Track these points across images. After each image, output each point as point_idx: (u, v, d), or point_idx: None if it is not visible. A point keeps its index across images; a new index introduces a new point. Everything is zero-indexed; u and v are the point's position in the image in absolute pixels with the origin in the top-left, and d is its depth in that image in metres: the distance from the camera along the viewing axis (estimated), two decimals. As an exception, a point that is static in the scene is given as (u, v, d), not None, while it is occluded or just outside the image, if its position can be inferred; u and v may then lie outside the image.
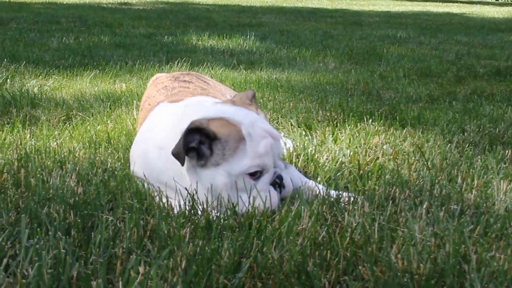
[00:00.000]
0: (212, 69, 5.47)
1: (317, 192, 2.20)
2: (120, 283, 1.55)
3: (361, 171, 2.48)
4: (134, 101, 3.67)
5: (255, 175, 2.09)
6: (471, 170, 2.47)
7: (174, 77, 2.89)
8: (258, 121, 2.15)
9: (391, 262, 1.62)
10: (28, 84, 4.46)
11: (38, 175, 2.28)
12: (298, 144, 2.88)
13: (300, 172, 2.44)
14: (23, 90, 4.09)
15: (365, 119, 3.24)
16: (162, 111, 2.42)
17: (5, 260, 1.64)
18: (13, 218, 1.92)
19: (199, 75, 3.08)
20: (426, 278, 1.57)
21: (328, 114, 3.52)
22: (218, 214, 1.98)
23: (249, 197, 2.05)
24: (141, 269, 1.60)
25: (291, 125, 3.30)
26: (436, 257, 1.66)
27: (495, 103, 3.88)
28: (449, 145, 2.83)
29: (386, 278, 1.56)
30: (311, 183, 2.29)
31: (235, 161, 2.05)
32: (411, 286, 1.55)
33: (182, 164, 2.05)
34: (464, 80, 4.90)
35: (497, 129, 3.16)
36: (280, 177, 2.15)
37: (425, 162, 2.52)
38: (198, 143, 2.05)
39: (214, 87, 2.98)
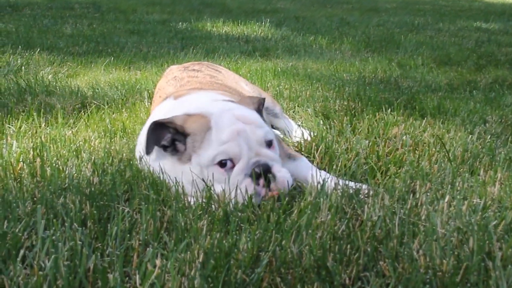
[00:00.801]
0: (227, 56, 5.43)
1: (334, 185, 2.13)
2: (137, 276, 1.53)
3: (380, 163, 2.44)
4: (145, 92, 3.64)
5: (225, 165, 1.99)
6: (493, 163, 2.42)
7: (184, 67, 2.87)
8: (232, 110, 2.06)
9: (413, 258, 1.59)
10: (43, 72, 4.45)
11: (54, 165, 2.28)
12: (315, 134, 2.84)
13: (314, 164, 2.40)
14: (37, 78, 4.08)
15: (383, 109, 3.20)
16: (162, 107, 2.39)
17: (22, 251, 1.63)
18: (29, 208, 1.91)
19: (211, 64, 3.05)
20: (449, 275, 1.53)
21: (346, 103, 3.47)
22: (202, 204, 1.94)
23: (223, 190, 1.96)
24: (158, 262, 1.58)
25: (309, 114, 3.26)
26: (459, 253, 1.62)
27: (518, 93, 3.81)
28: (470, 136, 2.78)
29: (408, 274, 1.53)
30: (325, 175, 2.20)
31: (202, 152, 2.00)
32: (434, 283, 1.52)
33: (147, 154, 2.08)
34: (484, 68, 4.82)
35: (520, 120, 3.10)
36: (264, 166, 1.99)
37: (446, 153, 2.47)
38: (171, 140, 2.05)
39: (225, 75, 2.94)
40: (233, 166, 1.99)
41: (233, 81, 2.89)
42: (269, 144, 2.08)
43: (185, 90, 2.54)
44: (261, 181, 1.97)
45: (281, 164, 2.09)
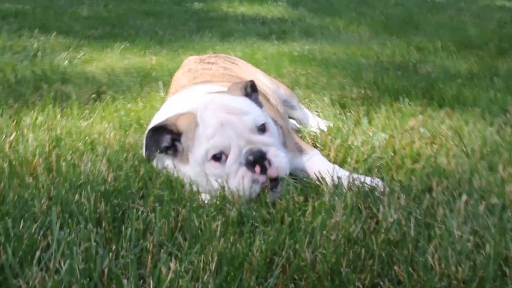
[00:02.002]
0: (243, 39, 5.40)
1: (348, 182, 2.11)
2: (151, 281, 1.54)
3: (397, 157, 2.41)
4: (160, 82, 3.63)
5: (220, 159, 1.95)
6: (513, 158, 2.39)
7: (201, 59, 2.86)
8: (215, 101, 2.02)
9: (428, 264, 1.58)
10: (59, 58, 4.46)
11: (69, 159, 2.29)
12: (331, 125, 2.82)
13: (329, 158, 2.38)
14: (53, 65, 4.10)
15: (401, 99, 3.16)
16: (169, 102, 2.38)
17: (37, 253, 1.64)
18: (45, 206, 1.93)
19: (228, 56, 3.04)
20: (464, 282, 1.52)
21: (363, 91, 3.44)
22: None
23: (220, 184, 1.94)
24: (172, 265, 1.59)
25: (325, 103, 3.24)
26: (475, 259, 1.61)
27: (540, 80, 3.74)
28: (489, 128, 2.73)
29: (422, 282, 1.52)
30: (339, 171, 2.17)
31: (195, 149, 1.98)
32: (449, 291, 1.51)
33: (149, 161, 2.10)
34: (506, 52, 4.73)
35: (543, 110, 3.05)
36: (257, 153, 1.94)
37: (464, 149, 2.44)
38: (171, 141, 2.04)
39: (242, 67, 2.93)
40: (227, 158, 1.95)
41: (249, 73, 2.87)
42: (262, 129, 2.02)
43: (199, 79, 2.54)
44: (257, 168, 1.93)
45: (278, 147, 2.03)
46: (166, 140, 2.06)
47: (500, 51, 4.78)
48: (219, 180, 1.96)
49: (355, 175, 2.16)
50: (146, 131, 2.18)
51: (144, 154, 2.13)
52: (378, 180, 2.16)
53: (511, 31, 5.71)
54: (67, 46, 4.98)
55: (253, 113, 2.03)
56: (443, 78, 3.82)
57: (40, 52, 4.68)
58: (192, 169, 2.03)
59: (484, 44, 5.03)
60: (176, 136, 2.05)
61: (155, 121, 2.24)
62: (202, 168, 1.99)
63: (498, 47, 4.92)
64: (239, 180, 1.93)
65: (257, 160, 1.93)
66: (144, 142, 2.09)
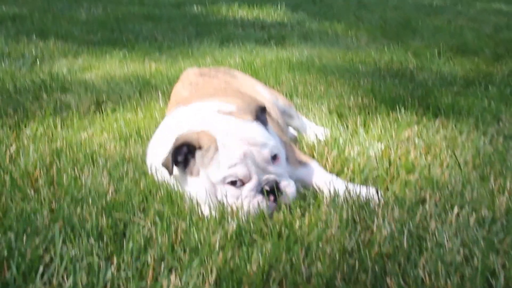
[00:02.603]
0: (242, 44, 5.47)
1: (344, 193, 2.20)
2: (152, 295, 1.61)
3: (392, 168, 2.49)
4: (160, 90, 3.69)
5: (236, 183, 2.10)
6: (504, 169, 2.46)
7: (201, 73, 2.94)
8: (237, 131, 2.17)
9: (419, 278, 1.65)
10: (58, 65, 4.53)
11: (70, 172, 2.36)
12: (328, 133, 2.90)
13: (326, 168, 2.46)
14: (53, 73, 4.16)
15: (397, 108, 3.23)
16: (174, 116, 2.46)
17: (41, 268, 1.71)
18: (47, 220, 1.99)
19: (228, 69, 3.11)
20: (453, 295, 1.60)
21: (360, 100, 3.51)
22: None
23: (235, 204, 2.09)
24: (172, 279, 1.67)
25: (322, 111, 3.31)
26: (463, 272, 1.68)
27: (534, 88, 3.81)
28: (482, 138, 2.81)
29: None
30: (335, 180, 2.29)
31: (213, 170, 2.11)
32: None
33: (170, 174, 2.17)
34: (502, 58, 4.80)
35: (534, 120, 3.12)
36: (272, 183, 2.12)
37: (457, 161, 2.51)
38: (184, 155, 2.16)
39: (241, 81, 3.00)
40: (243, 184, 2.10)
41: (249, 86, 2.95)
42: (274, 158, 2.18)
43: (200, 92, 2.62)
44: (271, 197, 2.11)
45: (287, 176, 2.20)
46: (181, 154, 2.16)
47: (495, 57, 4.85)
48: (235, 201, 2.10)
49: (351, 186, 2.25)
50: (154, 143, 2.31)
51: (165, 167, 2.18)
52: (373, 190, 2.24)
53: (507, 36, 5.78)
54: (66, 52, 5.04)
55: (270, 145, 2.19)
56: (439, 85, 3.89)
57: (38, 59, 4.74)
58: (201, 182, 2.14)
59: (480, 50, 5.11)
60: (192, 150, 2.15)
61: (164, 134, 2.33)
62: (214, 186, 2.12)
63: (494, 53, 5.00)
64: (255, 205, 2.09)
65: (272, 190, 2.11)
66: (168, 156, 2.15)
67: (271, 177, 2.13)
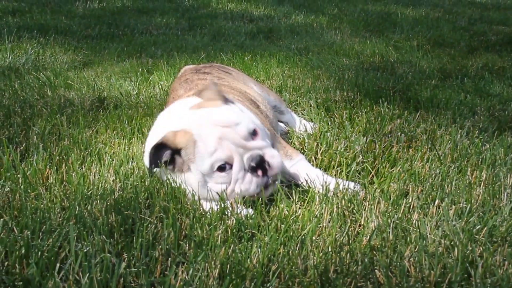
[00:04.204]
0: (233, 38, 5.47)
1: (332, 186, 2.25)
2: (162, 289, 1.66)
3: (376, 162, 2.54)
4: (156, 88, 3.70)
5: (225, 168, 2.11)
6: (480, 162, 2.52)
7: (196, 69, 2.95)
8: (207, 118, 2.16)
9: (405, 269, 1.72)
10: (60, 61, 4.52)
11: (79, 171, 2.39)
12: (317, 127, 2.95)
13: (314, 163, 2.51)
14: (55, 69, 4.15)
15: (380, 102, 3.28)
16: (158, 121, 2.49)
17: (57, 265, 1.75)
18: (60, 218, 2.03)
19: (222, 66, 3.13)
20: (435, 285, 1.66)
21: (345, 94, 3.55)
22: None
23: (225, 190, 2.11)
24: (179, 272, 1.72)
25: (311, 106, 3.35)
26: (445, 262, 1.75)
27: (505, 80, 3.87)
28: (460, 131, 2.87)
29: (400, 285, 1.66)
30: (321, 175, 2.32)
31: (198, 164, 2.12)
32: (422, 293, 1.65)
33: (151, 177, 2.22)
34: (476, 51, 4.86)
35: (507, 112, 3.19)
36: (257, 158, 2.12)
37: (437, 154, 2.57)
38: (170, 155, 2.17)
39: (235, 77, 3.03)
40: (231, 166, 2.11)
41: (242, 82, 2.98)
42: (253, 133, 2.17)
43: (194, 90, 2.65)
44: (259, 172, 2.13)
45: (270, 147, 2.20)
46: (166, 155, 2.18)
47: (470, 49, 4.91)
48: (222, 187, 2.12)
49: (339, 180, 2.30)
50: (147, 147, 2.33)
51: (147, 168, 2.24)
52: (358, 185, 2.30)
53: (481, 28, 5.83)
54: (66, 48, 5.02)
55: (244, 122, 2.17)
56: (418, 79, 3.94)
57: (41, 55, 4.72)
58: (194, 176, 2.16)
59: (456, 43, 5.16)
60: (175, 151, 2.17)
61: (151, 139, 2.35)
62: (206, 178, 2.13)
63: (469, 46, 5.05)
64: (247, 185, 2.11)
65: (259, 165, 2.12)
66: (147, 157, 2.20)
67: (255, 152, 2.13)
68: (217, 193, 2.13)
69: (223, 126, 2.13)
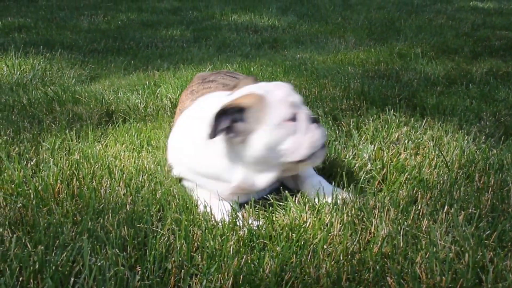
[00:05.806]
0: (239, 49, 5.51)
1: (341, 198, 2.27)
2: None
3: (385, 169, 2.56)
4: (164, 100, 3.72)
5: (294, 119, 2.21)
6: (487, 167, 2.54)
7: (202, 79, 2.98)
8: (264, 84, 2.34)
9: (416, 275, 1.73)
10: (67, 75, 4.56)
11: (90, 185, 2.41)
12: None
13: (324, 172, 2.53)
14: (63, 84, 4.20)
15: (386, 110, 3.30)
16: (182, 121, 2.55)
17: (71, 279, 1.78)
18: (73, 233, 2.05)
19: (230, 72, 3.16)
20: (448, 291, 1.68)
21: (352, 102, 3.58)
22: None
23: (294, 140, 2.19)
24: (193, 284, 1.74)
25: (319, 115, 3.37)
26: (456, 268, 1.76)
27: (510, 85, 3.89)
28: (466, 137, 2.88)
29: (412, 293, 1.67)
30: (326, 185, 2.36)
31: (269, 116, 2.18)
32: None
33: (212, 138, 2.17)
34: (480, 57, 4.88)
35: (513, 116, 3.21)
36: (314, 116, 2.26)
37: (444, 161, 2.59)
38: (231, 122, 2.17)
39: (243, 81, 3.05)
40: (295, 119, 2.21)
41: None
42: None
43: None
44: (318, 124, 2.27)
45: None
46: (225, 123, 2.17)
47: (474, 55, 4.93)
48: (291, 137, 2.20)
49: (339, 190, 2.33)
50: (172, 141, 2.51)
51: (209, 134, 2.18)
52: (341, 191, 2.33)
53: (484, 34, 5.85)
54: (73, 63, 5.07)
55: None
56: (424, 86, 3.96)
57: (48, 70, 4.76)
58: (260, 138, 2.18)
59: (460, 49, 5.18)
60: (236, 116, 2.17)
61: (189, 124, 2.44)
62: (273, 132, 2.18)
63: (473, 51, 5.07)
64: (315, 133, 2.23)
65: (316, 120, 2.28)
66: (211, 122, 2.16)
67: (309, 112, 2.28)
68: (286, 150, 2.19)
69: (286, 91, 2.26)
